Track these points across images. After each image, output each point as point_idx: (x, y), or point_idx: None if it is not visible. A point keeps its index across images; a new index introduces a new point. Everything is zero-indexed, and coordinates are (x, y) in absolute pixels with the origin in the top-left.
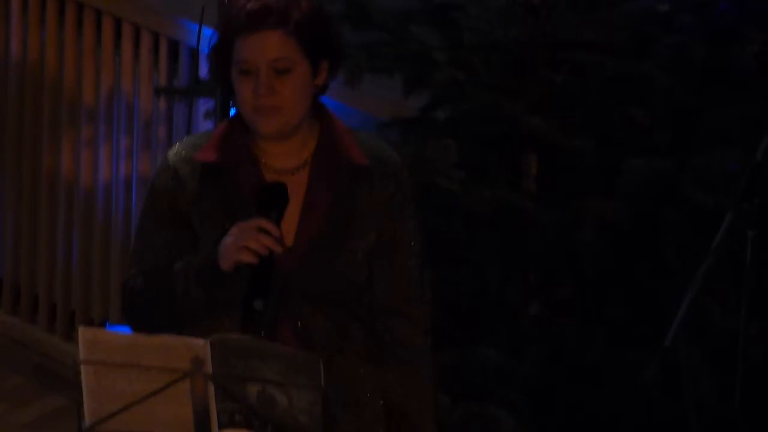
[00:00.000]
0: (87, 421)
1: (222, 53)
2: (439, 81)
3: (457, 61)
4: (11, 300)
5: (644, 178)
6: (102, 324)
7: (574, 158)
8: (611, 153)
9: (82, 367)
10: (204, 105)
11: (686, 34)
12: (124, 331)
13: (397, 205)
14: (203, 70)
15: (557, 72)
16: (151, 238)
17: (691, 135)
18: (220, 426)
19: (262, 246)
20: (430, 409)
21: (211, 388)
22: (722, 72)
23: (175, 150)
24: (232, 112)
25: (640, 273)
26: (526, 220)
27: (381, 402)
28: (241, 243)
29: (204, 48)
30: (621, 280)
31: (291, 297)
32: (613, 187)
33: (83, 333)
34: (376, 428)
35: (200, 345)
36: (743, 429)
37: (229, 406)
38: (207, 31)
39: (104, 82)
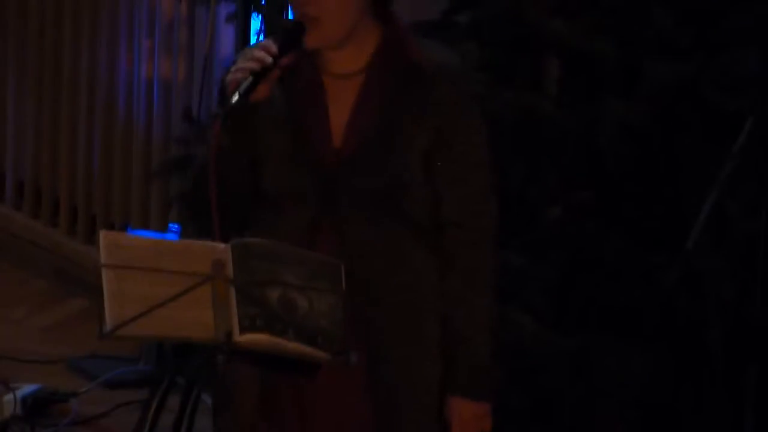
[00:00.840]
0: (108, 324)
1: None
2: None
3: None
4: (32, 203)
5: (665, 81)
6: (123, 228)
7: (595, 61)
8: (632, 55)
9: (104, 271)
10: (225, 9)
11: None
12: (145, 235)
13: (456, 113)
14: None
15: None
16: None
17: (712, 36)
18: (242, 330)
19: (249, 67)
20: (489, 332)
21: (232, 292)
22: None
23: (244, 51)
24: (253, 16)
25: (661, 176)
26: (548, 123)
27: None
28: (237, 67)
29: None
30: (642, 183)
31: (335, 199)
32: (635, 89)
33: (104, 236)
34: (431, 352)
35: (221, 249)
36: (765, 332)
37: (250, 310)
38: None
39: None
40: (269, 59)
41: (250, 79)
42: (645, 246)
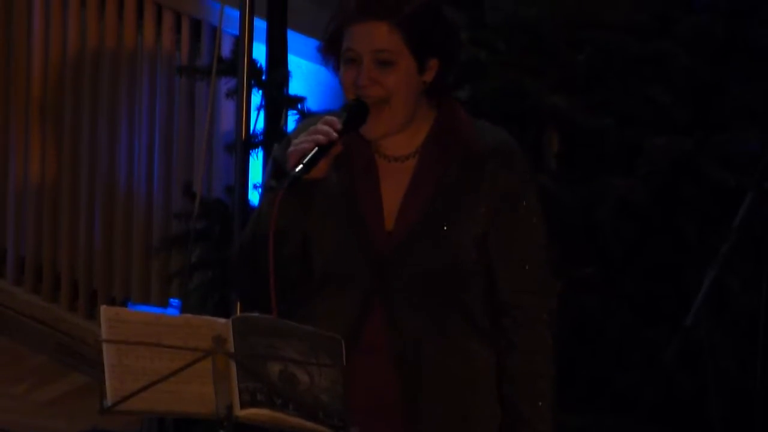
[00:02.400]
0: (109, 399)
1: (334, 44)
2: (461, 60)
3: (479, 41)
4: (33, 279)
5: (665, 157)
6: (123, 303)
7: (595, 137)
8: (632, 132)
9: (104, 346)
10: (226, 84)
11: (706, 13)
12: (145, 310)
13: (513, 194)
14: (225, 50)
15: (579, 51)
16: (262, 206)
17: (711, 113)
18: (242, 404)
19: (314, 140)
20: (548, 410)
21: (233, 367)
22: (742, 50)
23: (299, 127)
24: (254, 91)
25: (660, 251)
26: (547, 199)
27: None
28: (303, 138)
29: (225, 27)
30: (642, 259)
31: (387, 284)
32: (634, 165)
33: (105, 311)
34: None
35: (222, 324)
36: (765, 407)
37: (251, 385)
38: (229, 11)
39: (126, 62)
40: (334, 135)
41: (315, 150)
42: (646, 321)
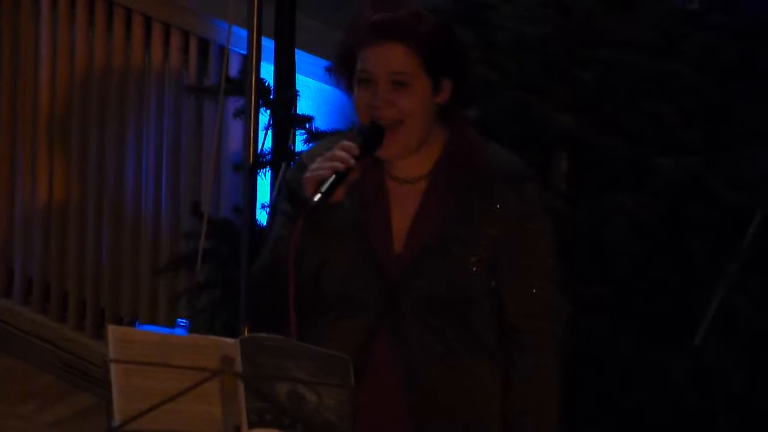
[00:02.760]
0: (116, 419)
1: (347, 63)
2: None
3: (488, 60)
4: (41, 298)
5: (674, 177)
6: (131, 322)
7: (604, 156)
8: (641, 151)
9: (112, 366)
10: (234, 104)
11: (716, 32)
12: (153, 330)
13: (522, 218)
14: (233, 69)
15: (588, 70)
16: (279, 230)
17: (720, 133)
18: (250, 425)
19: (331, 167)
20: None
21: (241, 387)
22: (751, 70)
23: (310, 150)
24: (262, 111)
25: (669, 271)
26: (556, 218)
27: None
28: (320, 164)
29: (233, 47)
30: (650, 278)
31: (396, 307)
32: (643, 185)
33: (113, 331)
34: None
35: (230, 344)
36: None
37: (259, 405)
38: (237, 30)
39: (133, 81)
40: (352, 161)
41: (334, 177)
42: (654, 341)
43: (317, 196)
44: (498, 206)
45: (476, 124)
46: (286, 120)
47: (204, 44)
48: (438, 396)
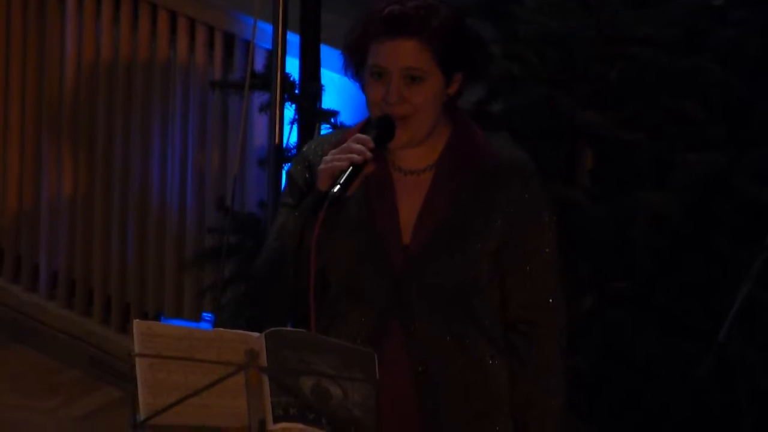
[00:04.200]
0: (142, 413)
1: (357, 54)
2: (494, 74)
3: (511, 55)
4: (66, 293)
5: (698, 172)
6: (156, 317)
7: (627, 152)
8: (665, 147)
9: (137, 360)
10: (259, 99)
11: (740, 28)
12: (178, 324)
13: (526, 210)
14: (258, 64)
15: (611, 66)
16: (284, 221)
17: (744, 129)
18: (275, 419)
19: (349, 158)
20: (556, 428)
21: (266, 381)
22: None
23: (313, 142)
24: (287, 106)
25: (693, 267)
26: (580, 214)
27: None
28: (335, 156)
29: (258, 41)
30: (674, 274)
31: (404, 297)
32: (667, 181)
33: (138, 326)
34: None
35: (255, 338)
36: None
37: (284, 399)
38: (262, 25)
39: (159, 76)
40: (369, 154)
41: (351, 169)
42: (678, 337)
43: (336, 188)
44: (504, 198)
45: (499, 117)
46: (312, 114)
47: (229, 39)
48: (448, 387)
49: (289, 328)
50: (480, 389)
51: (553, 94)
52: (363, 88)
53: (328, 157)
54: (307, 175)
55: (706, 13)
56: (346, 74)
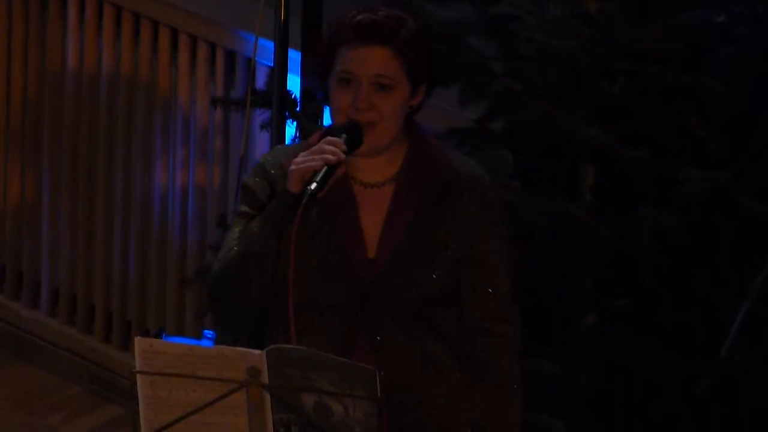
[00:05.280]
0: (143, 430)
1: (323, 60)
2: (495, 91)
3: (513, 72)
4: (67, 310)
5: (700, 189)
6: (158, 334)
7: (630, 168)
8: (667, 163)
9: (139, 377)
10: (260, 116)
11: (742, 45)
12: (179, 342)
13: (485, 224)
14: (260, 81)
15: (613, 82)
16: (250, 228)
17: (747, 145)
18: None
19: (323, 158)
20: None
21: (268, 399)
22: None
23: (269, 154)
24: (288, 123)
25: (696, 283)
26: (582, 231)
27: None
28: (307, 158)
29: (260, 59)
30: (677, 290)
31: (370, 310)
32: (669, 197)
33: (139, 343)
34: None
35: (256, 355)
36: None
37: (285, 417)
38: (263, 42)
39: (160, 93)
40: (343, 155)
41: (326, 169)
42: (680, 353)
43: (314, 185)
44: (463, 212)
45: (501, 135)
46: (313, 132)
47: (231, 56)
48: (416, 397)
49: (291, 346)
50: (444, 400)
51: (555, 111)
52: (327, 96)
53: (298, 159)
54: (265, 186)
55: (708, 29)
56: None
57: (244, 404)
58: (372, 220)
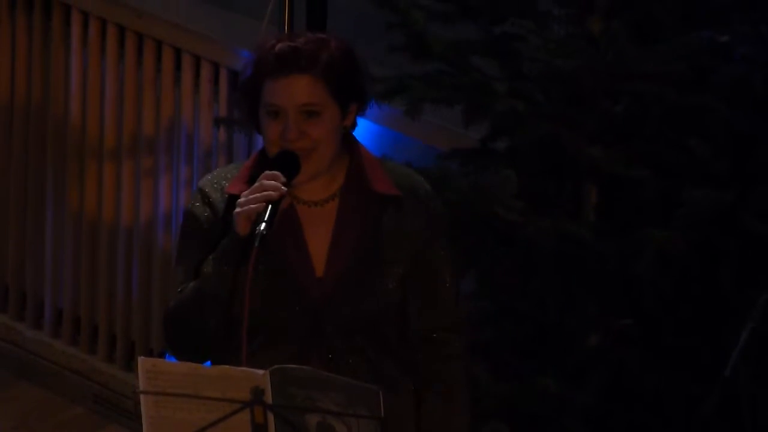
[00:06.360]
0: None
1: (251, 92)
2: (499, 111)
3: (516, 92)
4: (71, 330)
5: (704, 209)
6: (161, 354)
7: (633, 188)
8: (670, 183)
9: (142, 397)
10: None
11: (745, 65)
12: (183, 362)
13: (429, 235)
14: None
15: (617, 102)
16: (190, 263)
17: (750, 165)
18: None
19: (265, 197)
20: None
21: (271, 419)
22: None
23: (208, 178)
24: None
25: (699, 303)
26: (586, 251)
27: None
28: (249, 198)
29: None
30: (680, 310)
31: (321, 329)
32: (673, 217)
33: (143, 363)
34: None
35: (260, 375)
36: None
37: None
38: None
39: (164, 113)
40: (284, 189)
41: (271, 207)
42: (684, 373)
43: (263, 225)
44: (409, 224)
45: (504, 154)
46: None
47: (234, 76)
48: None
49: (294, 366)
50: (396, 412)
51: (559, 130)
52: (258, 127)
53: (241, 200)
54: (206, 212)
55: (711, 49)
56: (241, 114)
57: (247, 424)
58: (318, 239)
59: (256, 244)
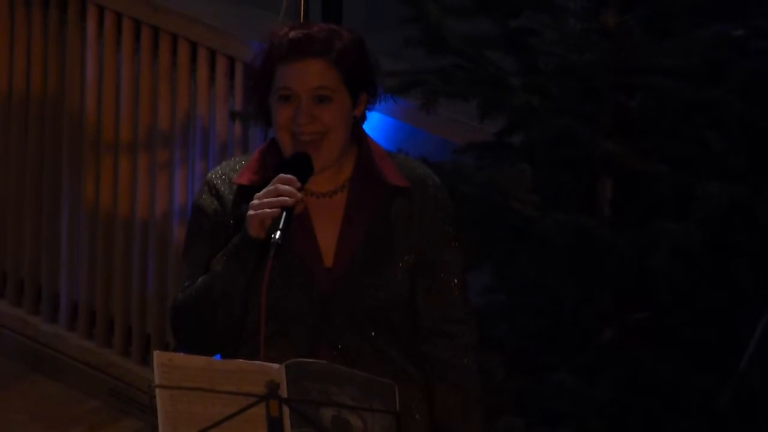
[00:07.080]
0: None
1: (262, 79)
2: (514, 106)
3: (532, 86)
4: (87, 324)
5: (719, 203)
6: (177, 348)
7: (649, 183)
8: (686, 177)
9: (158, 391)
10: None
11: (760, 59)
12: (198, 356)
13: (438, 226)
14: None
15: (632, 97)
16: (198, 256)
17: (765, 159)
18: None
19: (280, 202)
20: (478, 430)
21: (287, 413)
22: None
23: (216, 170)
24: None
25: (714, 297)
26: (601, 245)
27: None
28: (264, 201)
29: None
30: (696, 305)
31: (330, 319)
32: (688, 211)
33: (159, 357)
34: None
35: (275, 369)
36: None
37: (305, 431)
38: None
39: (180, 107)
40: (299, 195)
41: (285, 214)
42: (699, 367)
43: (278, 234)
44: (417, 215)
45: (519, 149)
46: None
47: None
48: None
49: (309, 360)
50: (406, 404)
51: (574, 125)
52: (266, 118)
53: (255, 202)
54: (214, 204)
55: (726, 43)
56: (248, 104)
57: (263, 418)
58: (327, 230)
59: (272, 254)
